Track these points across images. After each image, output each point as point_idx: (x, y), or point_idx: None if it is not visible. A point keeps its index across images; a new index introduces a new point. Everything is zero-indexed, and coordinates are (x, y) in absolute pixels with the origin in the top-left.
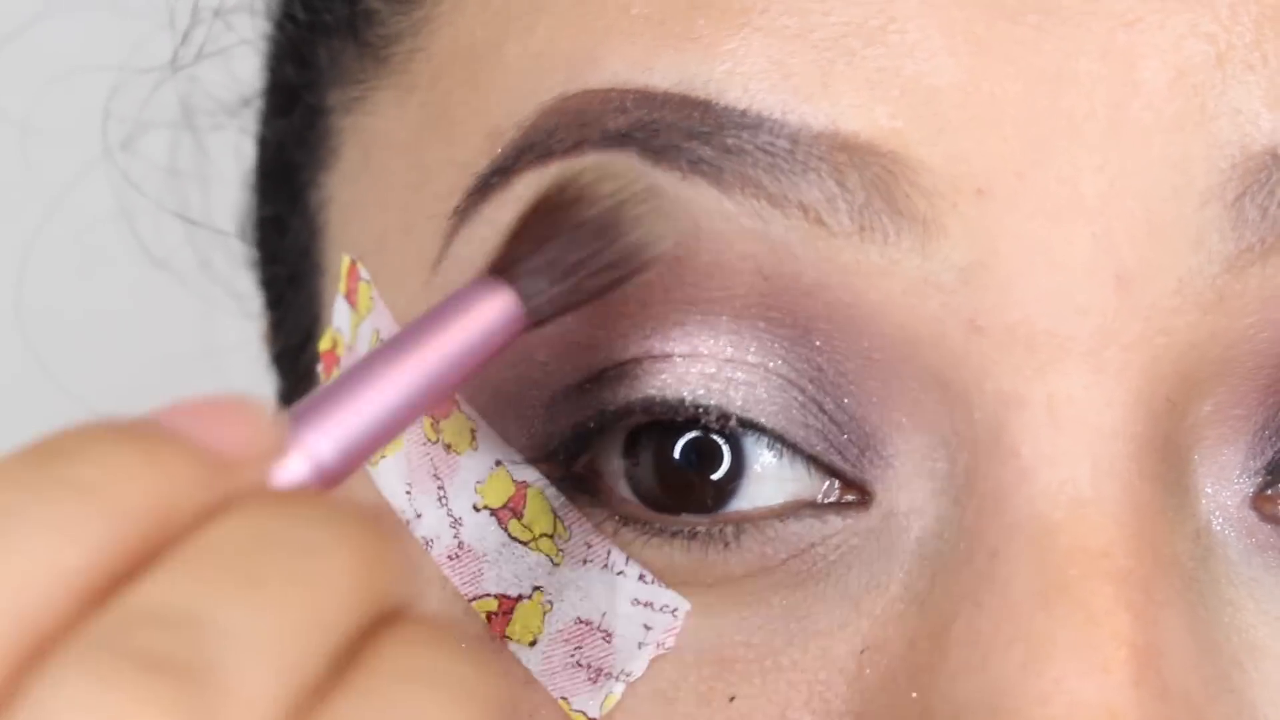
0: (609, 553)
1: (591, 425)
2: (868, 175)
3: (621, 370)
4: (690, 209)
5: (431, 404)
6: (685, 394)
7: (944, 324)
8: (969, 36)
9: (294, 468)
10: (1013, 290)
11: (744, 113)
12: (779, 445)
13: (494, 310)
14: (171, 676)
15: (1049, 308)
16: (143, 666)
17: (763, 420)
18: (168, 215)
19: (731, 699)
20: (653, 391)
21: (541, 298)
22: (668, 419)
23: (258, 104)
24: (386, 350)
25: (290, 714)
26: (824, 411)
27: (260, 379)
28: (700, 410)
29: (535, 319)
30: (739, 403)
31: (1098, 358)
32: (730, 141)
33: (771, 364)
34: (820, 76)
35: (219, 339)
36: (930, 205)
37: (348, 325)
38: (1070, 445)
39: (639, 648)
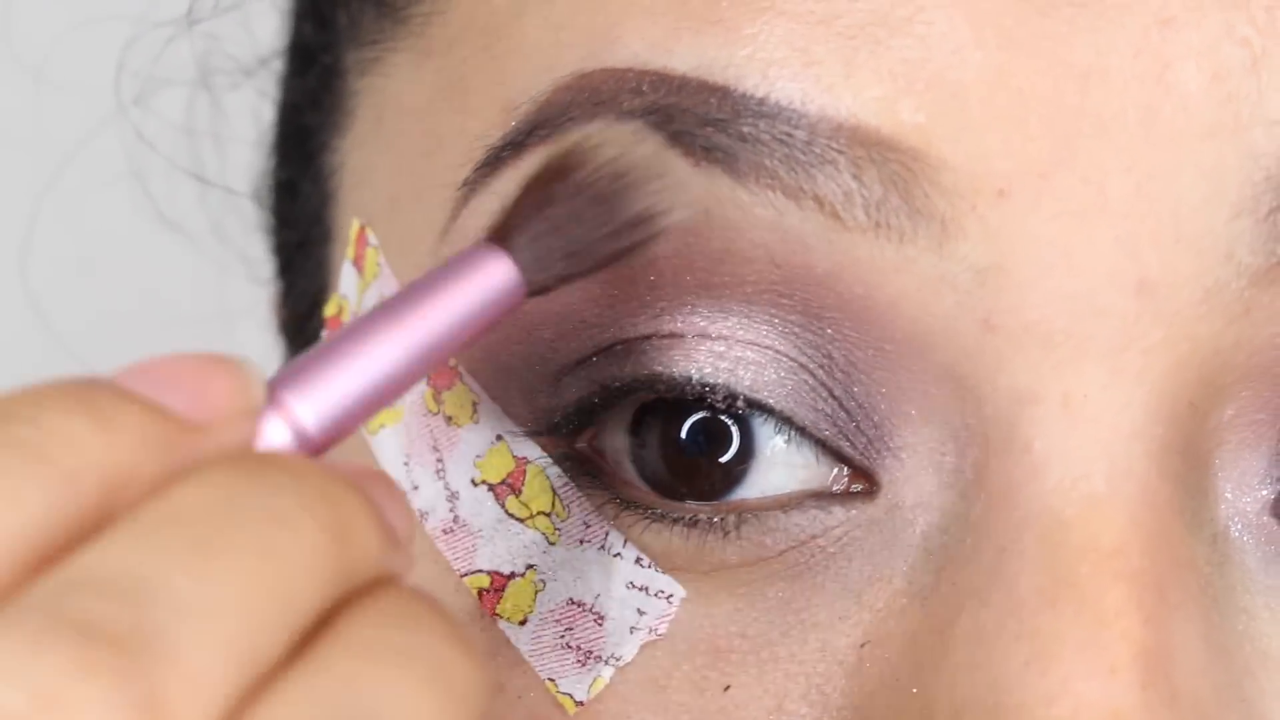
0: (607, 534)
1: (596, 400)
2: (886, 171)
3: (630, 346)
4: (702, 193)
5: (424, 373)
6: (693, 371)
7: (958, 321)
8: (998, 30)
9: (272, 434)
10: (1030, 292)
11: (762, 100)
12: (788, 429)
13: (493, 278)
14: (108, 645)
15: (1067, 309)
16: (79, 633)
17: (771, 401)
18: (179, 175)
19: (726, 688)
20: (660, 368)
21: (542, 267)
22: (674, 397)
23: (275, 65)
24: (379, 315)
25: (239, 693)
26: (834, 396)
27: (269, 346)
28: (707, 389)
29: (535, 289)
30: (747, 382)
31: (1117, 359)
32: (746, 129)
33: (781, 347)
34: (842, 66)
35: (228, 303)
36: (949, 205)
37: (354, 291)
38: (1085, 443)
39: (631, 632)
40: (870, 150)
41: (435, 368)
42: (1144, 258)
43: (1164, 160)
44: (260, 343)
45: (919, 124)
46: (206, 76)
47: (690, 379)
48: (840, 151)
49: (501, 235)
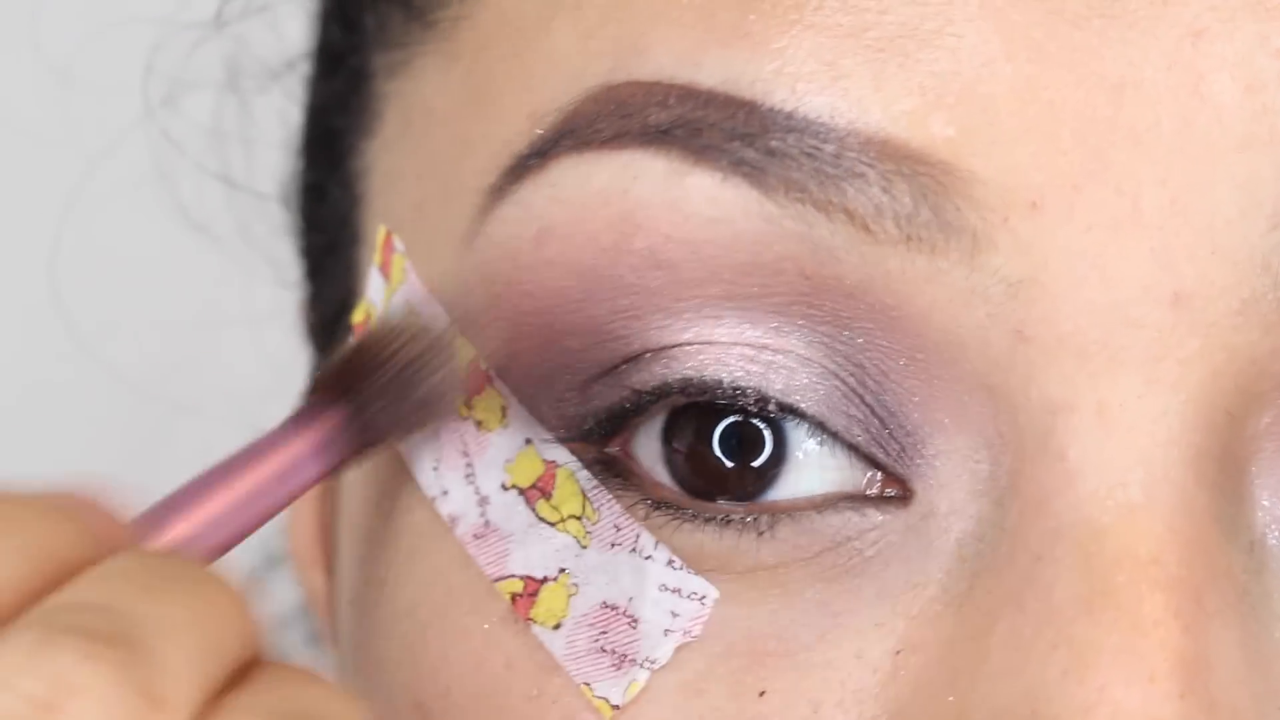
0: (638, 536)
1: (627, 406)
2: (917, 185)
3: (659, 353)
4: (726, 211)
5: (242, 531)
6: (724, 375)
7: (990, 332)
8: (1028, 42)
9: None
10: (1064, 304)
11: (790, 115)
12: (820, 432)
13: (295, 455)
14: (105, 642)
15: (1101, 320)
16: (78, 635)
17: (803, 405)
18: (206, 178)
19: (762, 693)
20: (690, 372)
21: (337, 450)
22: (706, 401)
23: (303, 68)
24: (210, 477)
25: (208, 696)
26: (865, 404)
27: (297, 349)
28: (738, 392)
29: (330, 470)
30: (778, 386)
31: (1153, 369)
32: (775, 144)
33: (812, 355)
34: (872, 79)
35: (255, 307)
36: (981, 219)
37: (381, 297)
38: (1120, 451)
39: (665, 635)
40: (900, 164)
41: (252, 528)
42: (1179, 270)
43: (1199, 172)
44: (288, 346)
45: (949, 137)
46: (234, 79)
47: (721, 382)
48: (870, 165)
49: (305, 420)
